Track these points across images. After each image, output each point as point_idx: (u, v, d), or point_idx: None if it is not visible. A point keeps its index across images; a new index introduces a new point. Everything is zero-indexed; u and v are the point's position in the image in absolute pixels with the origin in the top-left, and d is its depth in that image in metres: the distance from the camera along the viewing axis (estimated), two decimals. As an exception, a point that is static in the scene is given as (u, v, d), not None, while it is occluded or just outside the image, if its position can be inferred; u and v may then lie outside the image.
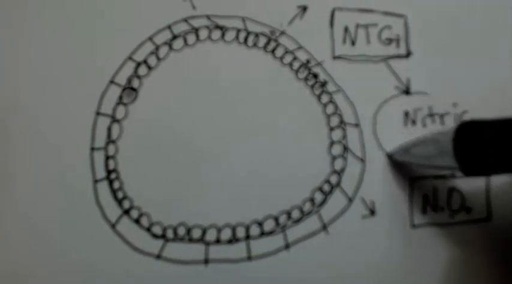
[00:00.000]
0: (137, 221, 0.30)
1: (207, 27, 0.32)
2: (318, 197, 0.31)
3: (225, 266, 0.30)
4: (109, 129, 0.30)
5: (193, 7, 0.32)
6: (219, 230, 0.30)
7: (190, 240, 0.30)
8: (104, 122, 0.30)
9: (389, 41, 0.33)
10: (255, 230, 0.30)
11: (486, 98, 0.33)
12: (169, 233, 0.30)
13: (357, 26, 0.33)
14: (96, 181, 0.30)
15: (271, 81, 0.32)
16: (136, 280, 0.29)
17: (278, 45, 0.32)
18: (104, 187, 0.30)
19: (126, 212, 0.30)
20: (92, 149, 0.30)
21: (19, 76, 0.30)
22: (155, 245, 0.29)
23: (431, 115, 0.32)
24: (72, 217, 0.29)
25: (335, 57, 0.32)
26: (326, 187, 0.31)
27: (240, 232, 0.30)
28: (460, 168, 0.26)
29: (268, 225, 0.30)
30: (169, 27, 0.32)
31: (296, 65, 0.32)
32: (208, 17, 0.32)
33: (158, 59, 0.31)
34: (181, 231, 0.30)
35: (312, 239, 0.30)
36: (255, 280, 0.30)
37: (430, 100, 0.33)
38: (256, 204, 0.30)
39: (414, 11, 0.33)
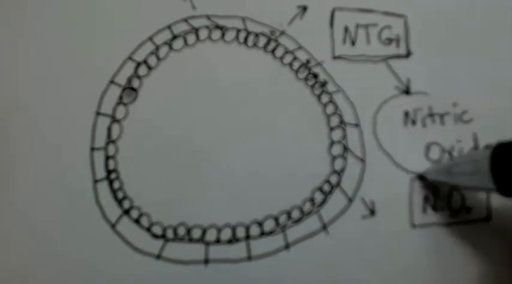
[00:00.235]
0: (137, 221, 0.30)
1: (207, 27, 0.32)
2: (318, 197, 0.31)
3: (225, 266, 0.30)
4: (109, 129, 0.30)
5: (193, 7, 0.32)
6: (219, 230, 0.30)
7: (190, 240, 0.30)
8: (104, 122, 0.30)
9: (389, 41, 0.33)
10: (255, 230, 0.30)
11: (486, 98, 0.33)
12: (169, 233, 0.30)
13: (357, 26, 0.33)
14: (96, 181, 0.30)
15: (271, 81, 0.32)
16: (136, 280, 0.29)
17: (278, 45, 0.32)
18: (104, 187, 0.30)
19: (126, 212, 0.30)
20: (92, 149, 0.30)
21: (19, 76, 0.30)
22: (155, 245, 0.29)
23: (431, 115, 0.32)
24: (72, 217, 0.29)
25: (335, 57, 0.32)
26: (326, 187, 0.31)
27: (240, 232, 0.30)
28: (497, 189, 0.25)
29: (268, 225, 0.30)
30: (169, 27, 0.32)
31: (296, 65, 0.32)
32: (208, 17, 0.32)
33: (158, 59, 0.31)
34: (181, 231, 0.30)
35: (312, 239, 0.30)
36: (255, 280, 0.30)
37: (430, 100, 0.33)
38: (256, 204, 0.30)
39: (414, 11, 0.33)
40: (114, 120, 0.30)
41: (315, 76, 0.32)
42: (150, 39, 0.31)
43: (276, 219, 0.30)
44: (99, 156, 0.30)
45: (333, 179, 0.31)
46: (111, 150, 0.30)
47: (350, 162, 0.31)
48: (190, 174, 0.30)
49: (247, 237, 0.30)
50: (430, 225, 0.31)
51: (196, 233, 0.30)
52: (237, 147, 0.31)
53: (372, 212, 0.31)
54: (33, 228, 0.29)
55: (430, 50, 0.33)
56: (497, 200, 0.32)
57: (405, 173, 0.32)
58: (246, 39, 0.32)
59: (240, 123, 0.31)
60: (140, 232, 0.29)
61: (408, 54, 0.33)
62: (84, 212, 0.29)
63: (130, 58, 0.31)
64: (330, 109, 0.32)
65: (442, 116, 0.32)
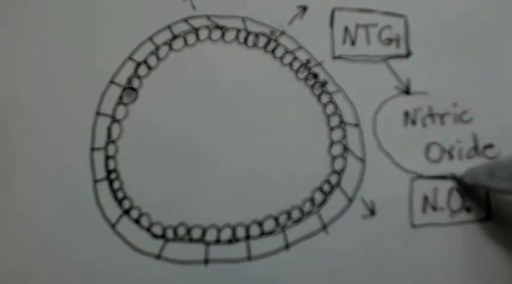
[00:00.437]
0: (137, 221, 0.30)
1: (207, 27, 0.32)
2: (318, 197, 0.31)
3: (225, 266, 0.30)
4: (109, 129, 0.30)
5: (193, 7, 0.32)
6: (219, 230, 0.30)
7: (190, 240, 0.30)
8: (104, 122, 0.30)
9: (389, 41, 0.33)
10: (255, 230, 0.30)
11: (486, 98, 0.33)
12: (169, 233, 0.30)
13: (357, 26, 0.33)
14: (96, 181, 0.30)
15: (271, 81, 0.32)
16: (136, 280, 0.29)
17: (278, 45, 0.32)
18: (104, 187, 0.30)
19: (126, 212, 0.30)
20: (92, 149, 0.30)
21: (19, 76, 0.30)
22: (155, 245, 0.29)
23: (431, 115, 0.32)
24: (72, 217, 0.29)
25: (335, 57, 0.32)
26: (326, 187, 0.31)
27: (240, 232, 0.30)
28: None
29: (268, 225, 0.30)
30: (169, 27, 0.32)
31: (296, 65, 0.32)
32: (208, 17, 0.32)
33: (158, 59, 0.31)
34: (181, 231, 0.30)
35: (312, 239, 0.30)
36: (255, 280, 0.30)
37: (430, 100, 0.33)
38: (256, 204, 0.30)
39: (414, 11, 0.33)
40: (114, 120, 0.30)
41: (315, 76, 0.32)
42: (150, 39, 0.31)
43: (276, 219, 0.30)
44: (99, 156, 0.30)
45: (333, 179, 0.31)
46: (111, 150, 0.30)
47: (350, 162, 0.31)
48: (190, 174, 0.30)
49: (247, 237, 0.30)
50: (430, 225, 0.31)
51: (196, 233, 0.30)
52: (237, 147, 0.31)
53: (372, 212, 0.31)
54: (33, 228, 0.29)
55: (430, 50, 0.33)
56: (497, 200, 0.32)
57: (405, 173, 0.32)
58: (246, 39, 0.32)
59: (240, 123, 0.31)
60: (140, 232, 0.29)
61: (408, 54, 0.33)
62: (84, 212, 0.29)
63: (130, 58, 0.31)
64: (330, 109, 0.32)
65: (442, 116, 0.32)
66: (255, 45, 0.32)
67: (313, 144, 0.31)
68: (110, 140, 0.30)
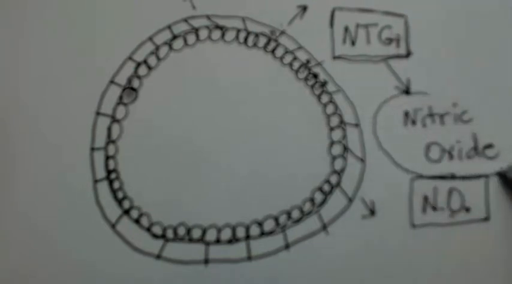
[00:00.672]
0: (137, 221, 0.30)
1: (207, 27, 0.32)
2: (318, 197, 0.31)
3: (225, 266, 0.30)
4: (109, 129, 0.30)
5: (193, 7, 0.32)
6: (219, 230, 0.30)
7: (190, 240, 0.30)
8: (104, 122, 0.30)
9: (390, 40, 0.33)
10: (255, 230, 0.30)
11: (486, 98, 0.33)
12: (169, 233, 0.30)
13: (357, 25, 0.33)
14: (96, 181, 0.30)
15: (271, 81, 0.32)
16: (136, 280, 0.29)
17: (278, 45, 0.32)
18: (104, 187, 0.30)
19: (126, 212, 0.30)
20: (92, 149, 0.30)
21: (19, 76, 0.30)
22: (155, 245, 0.29)
23: (431, 115, 0.32)
24: (72, 217, 0.29)
25: (335, 57, 0.32)
26: (326, 187, 0.31)
27: (240, 232, 0.30)
28: None
29: (268, 225, 0.30)
30: (169, 27, 0.32)
31: (296, 65, 0.32)
32: (208, 17, 0.32)
33: (158, 59, 0.31)
34: (181, 231, 0.30)
35: (312, 239, 0.30)
36: (255, 280, 0.30)
37: (430, 100, 0.33)
38: (256, 204, 0.30)
39: (414, 11, 0.33)
40: (114, 120, 0.30)
41: (315, 76, 0.32)
42: (150, 39, 0.31)
43: (276, 219, 0.30)
44: (99, 156, 0.30)
45: (333, 179, 0.31)
46: (111, 150, 0.30)
47: (350, 162, 0.31)
48: (190, 174, 0.30)
49: (247, 237, 0.30)
50: (430, 225, 0.31)
51: (196, 233, 0.30)
52: (237, 147, 0.31)
53: (372, 212, 0.31)
54: (33, 228, 0.29)
55: (430, 50, 0.33)
56: (497, 200, 0.32)
57: (405, 173, 0.32)
58: (246, 39, 0.32)
59: (240, 123, 0.31)
60: (140, 232, 0.29)
61: (408, 54, 0.33)
62: (84, 212, 0.29)
63: (130, 58, 0.31)
64: (330, 109, 0.32)
65: (442, 116, 0.32)
66: (255, 45, 0.32)
67: (313, 144, 0.31)
68: (110, 140, 0.30)
